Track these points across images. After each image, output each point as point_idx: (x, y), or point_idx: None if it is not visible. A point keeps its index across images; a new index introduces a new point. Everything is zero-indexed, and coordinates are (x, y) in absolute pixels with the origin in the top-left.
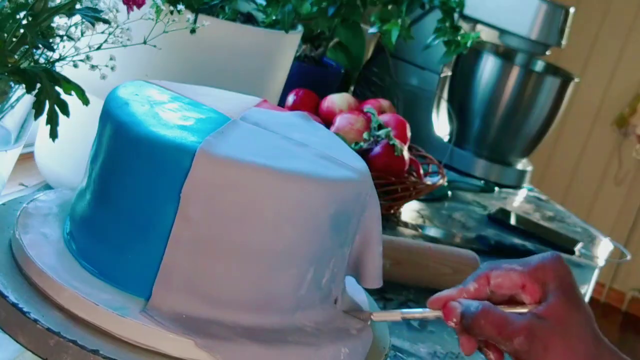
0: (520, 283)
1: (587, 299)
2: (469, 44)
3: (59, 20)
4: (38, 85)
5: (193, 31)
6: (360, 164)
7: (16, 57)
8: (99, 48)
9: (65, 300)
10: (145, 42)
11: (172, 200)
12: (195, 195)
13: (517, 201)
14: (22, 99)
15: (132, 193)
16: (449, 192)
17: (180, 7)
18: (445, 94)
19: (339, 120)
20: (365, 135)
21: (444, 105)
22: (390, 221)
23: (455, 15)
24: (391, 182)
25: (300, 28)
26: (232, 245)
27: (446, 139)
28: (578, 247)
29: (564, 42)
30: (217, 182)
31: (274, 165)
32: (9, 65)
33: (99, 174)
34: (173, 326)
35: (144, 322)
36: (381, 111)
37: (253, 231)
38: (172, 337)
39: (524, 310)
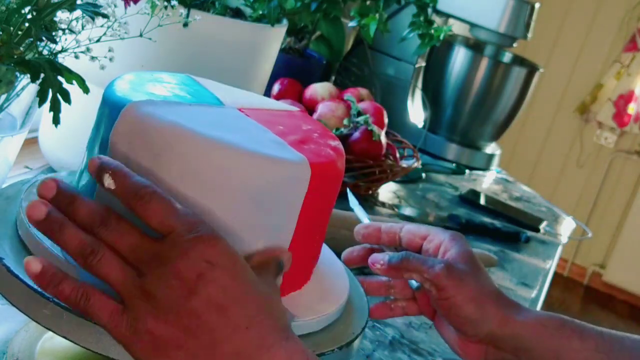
0: (425, 233)
1: (550, 273)
2: (441, 37)
3: (61, 15)
4: (42, 75)
5: (185, 25)
6: (320, 157)
7: (22, 49)
8: (98, 40)
9: (30, 242)
10: (141, 35)
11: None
12: (118, 145)
13: (487, 182)
14: (27, 87)
15: (99, 152)
16: (423, 174)
17: (174, 2)
18: (419, 83)
19: (321, 108)
20: (345, 122)
21: (418, 93)
22: (369, 201)
23: (429, 10)
24: (369, 165)
25: (285, 22)
26: None
27: (420, 125)
28: (543, 226)
29: (529, 35)
30: (134, 135)
31: (190, 128)
32: (15, 57)
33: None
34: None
35: (52, 249)
36: (360, 99)
37: (160, 186)
38: (65, 264)
39: None
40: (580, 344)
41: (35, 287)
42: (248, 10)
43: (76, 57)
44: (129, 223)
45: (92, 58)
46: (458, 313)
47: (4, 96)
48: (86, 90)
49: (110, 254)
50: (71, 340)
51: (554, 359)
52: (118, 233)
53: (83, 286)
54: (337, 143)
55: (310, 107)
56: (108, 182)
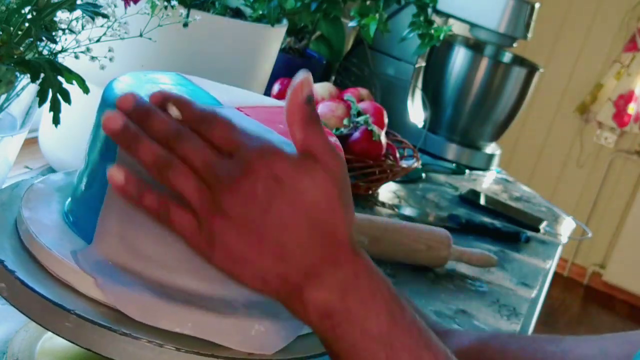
0: None
1: (550, 273)
2: (441, 37)
3: (61, 15)
4: (42, 75)
5: (185, 25)
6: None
7: (22, 49)
8: (98, 40)
9: (40, 253)
10: (141, 35)
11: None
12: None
13: (487, 182)
14: (27, 87)
15: (107, 161)
16: (423, 174)
17: (174, 2)
18: (419, 83)
19: (321, 108)
20: (345, 122)
21: (418, 93)
22: (369, 201)
23: (429, 10)
24: (369, 165)
25: (285, 22)
26: None
27: (420, 125)
28: (543, 226)
29: (529, 35)
30: None
31: None
32: (15, 57)
33: (94, 157)
34: (87, 266)
35: (66, 259)
36: (360, 99)
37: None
38: (82, 274)
39: None
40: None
41: (54, 299)
42: (248, 10)
43: (76, 57)
44: (201, 139)
45: (92, 58)
46: None
47: (4, 96)
48: (86, 90)
49: (185, 167)
50: (95, 353)
51: None
52: (192, 147)
53: (165, 199)
54: (334, 139)
55: None
56: (174, 112)
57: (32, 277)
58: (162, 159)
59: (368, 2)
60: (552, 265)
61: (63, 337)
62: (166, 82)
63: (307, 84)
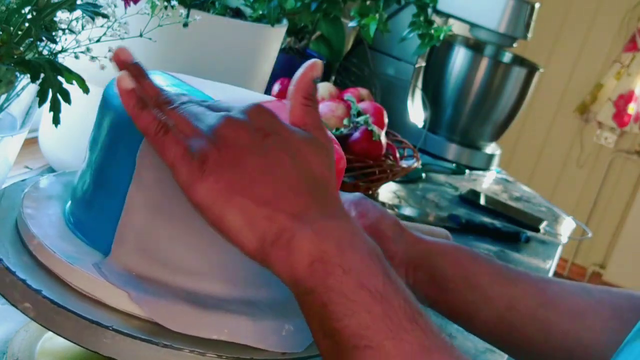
0: None
1: (551, 273)
2: (441, 37)
3: (61, 15)
4: (42, 75)
5: (185, 25)
6: None
7: (22, 49)
8: (98, 40)
9: (60, 268)
10: (141, 35)
11: (132, 165)
12: (148, 161)
13: (487, 182)
14: (27, 87)
15: (110, 162)
16: (423, 174)
17: (174, 2)
18: (419, 83)
19: (321, 108)
20: (345, 122)
21: (418, 93)
22: None
23: (429, 10)
24: (369, 165)
25: (285, 22)
26: (180, 211)
27: (420, 125)
28: (543, 226)
29: (529, 35)
30: None
31: None
32: (15, 57)
33: (96, 157)
34: (115, 280)
35: (92, 273)
36: (360, 99)
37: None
38: (111, 288)
39: None
40: (488, 267)
41: (88, 316)
42: (248, 10)
43: (76, 57)
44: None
45: (92, 58)
46: (381, 228)
47: (4, 96)
48: (86, 90)
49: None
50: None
51: (463, 278)
52: (192, 104)
53: (164, 122)
54: (330, 135)
55: None
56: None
57: (57, 294)
58: (163, 96)
59: (368, 2)
60: (552, 265)
61: (101, 354)
62: (161, 83)
63: (319, 68)
